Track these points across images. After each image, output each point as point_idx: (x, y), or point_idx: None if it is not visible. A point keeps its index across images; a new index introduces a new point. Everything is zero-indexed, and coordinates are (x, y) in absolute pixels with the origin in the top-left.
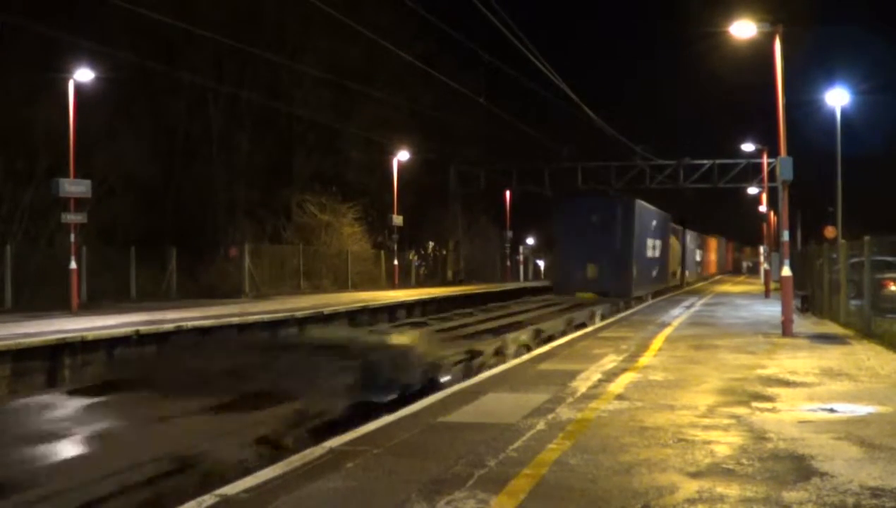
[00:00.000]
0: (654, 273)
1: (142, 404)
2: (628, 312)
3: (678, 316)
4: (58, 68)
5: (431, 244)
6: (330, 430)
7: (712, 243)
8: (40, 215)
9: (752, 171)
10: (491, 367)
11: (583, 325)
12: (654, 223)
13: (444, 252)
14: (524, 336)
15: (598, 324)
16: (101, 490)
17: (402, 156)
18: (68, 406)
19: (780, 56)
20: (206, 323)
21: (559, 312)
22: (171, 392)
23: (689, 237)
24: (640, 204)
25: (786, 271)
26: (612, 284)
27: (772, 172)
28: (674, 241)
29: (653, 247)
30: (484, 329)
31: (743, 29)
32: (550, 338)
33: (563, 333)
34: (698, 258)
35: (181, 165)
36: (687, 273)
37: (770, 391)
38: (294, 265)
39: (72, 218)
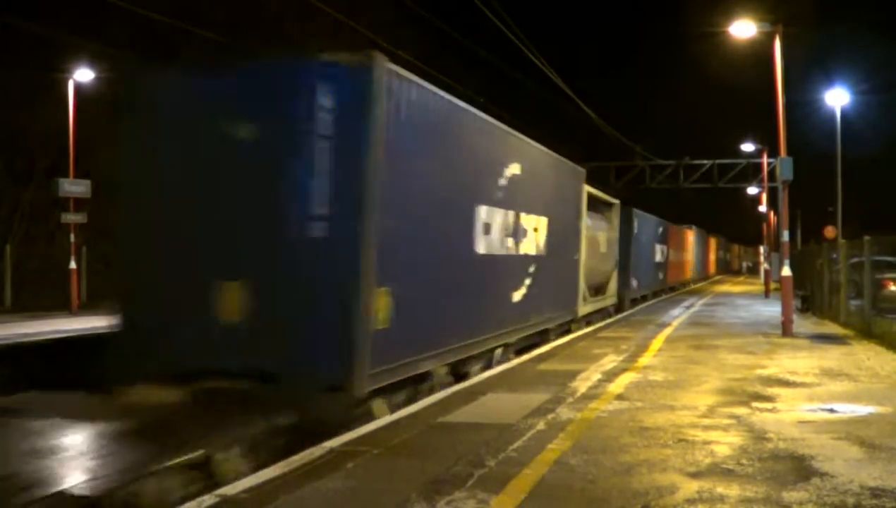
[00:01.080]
0: (518, 295)
1: None
2: (627, 313)
3: (678, 316)
4: (58, 68)
5: None
6: None
7: (691, 238)
8: (40, 215)
9: (752, 171)
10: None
11: None
12: (521, 168)
13: None
14: None
15: (599, 324)
16: None
17: None
18: None
19: (780, 56)
20: None
21: None
22: None
23: (641, 225)
24: (425, 92)
25: (786, 271)
26: (291, 347)
27: (772, 172)
28: (606, 232)
29: (503, 229)
30: None
31: (743, 29)
32: None
33: None
34: (659, 258)
35: None
36: (635, 283)
37: (770, 391)
38: None
39: (72, 218)
